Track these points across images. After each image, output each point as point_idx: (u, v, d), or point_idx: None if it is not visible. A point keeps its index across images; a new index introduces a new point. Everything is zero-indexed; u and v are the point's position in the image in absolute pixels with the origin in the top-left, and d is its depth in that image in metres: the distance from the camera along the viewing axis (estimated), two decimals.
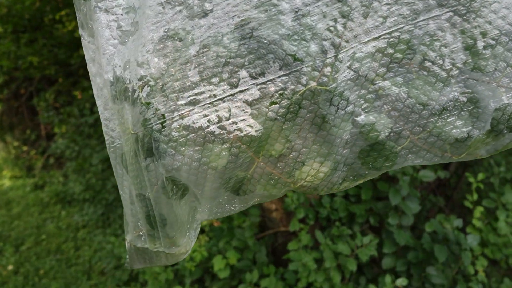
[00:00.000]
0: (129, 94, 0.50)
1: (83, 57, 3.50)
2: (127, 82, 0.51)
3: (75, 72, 3.95)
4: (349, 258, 1.83)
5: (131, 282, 2.75)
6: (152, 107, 0.49)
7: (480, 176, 1.80)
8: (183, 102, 0.49)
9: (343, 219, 2.06)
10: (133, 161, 0.56)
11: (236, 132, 0.49)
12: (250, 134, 0.48)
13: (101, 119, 0.59)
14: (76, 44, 3.77)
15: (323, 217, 2.06)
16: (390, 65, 0.46)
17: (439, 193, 2.38)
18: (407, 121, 0.48)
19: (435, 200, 2.26)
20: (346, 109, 0.48)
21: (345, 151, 0.51)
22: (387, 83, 0.47)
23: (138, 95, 0.50)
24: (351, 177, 0.54)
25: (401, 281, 1.71)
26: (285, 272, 2.09)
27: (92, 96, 3.86)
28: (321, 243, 1.95)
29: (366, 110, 0.48)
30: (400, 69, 0.46)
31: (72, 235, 3.60)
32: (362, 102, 0.48)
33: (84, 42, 0.56)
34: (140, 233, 0.64)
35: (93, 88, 0.58)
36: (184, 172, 0.52)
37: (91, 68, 0.57)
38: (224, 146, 0.49)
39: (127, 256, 0.73)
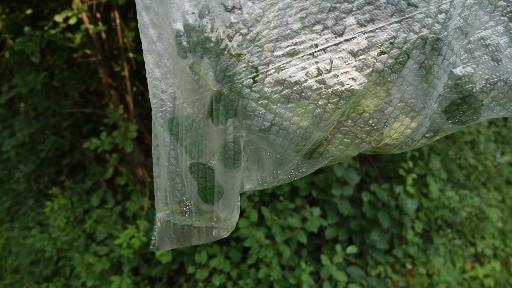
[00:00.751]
0: (211, 45, 0.44)
1: None
2: (208, 31, 0.44)
3: None
4: (299, 231, 1.86)
5: (53, 277, 2.53)
6: (244, 59, 0.43)
7: None
8: (280, 53, 0.43)
9: (285, 194, 2.08)
10: (199, 125, 0.49)
11: (337, 87, 0.44)
12: (351, 88, 0.45)
13: (149, 79, 0.51)
14: None
15: (268, 192, 2.06)
16: (493, 14, 0.45)
17: (365, 163, 2.51)
18: (504, 71, 0.47)
19: (365, 170, 2.37)
20: (450, 60, 0.46)
21: (435, 105, 0.49)
22: (488, 32, 0.46)
23: (226, 46, 0.43)
24: (431, 132, 0.53)
25: (351, 249, 1.77)
26: (229, 250, 2.07)
27: None
28: (267, 218, 1.96)
29: (465, 61, 0.47)
30: (502, 17, 0.46)
31: None
32: (462, 52, 0.47)
33: None
34: (185, 208, 0.57)
35: (142, 42, 0.50)
36: (272, 134, 0.46)
37: (144, 18, 0.48)
38: (320, 102, 0.45)
39: (153, 238, 0.65)
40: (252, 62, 0.43)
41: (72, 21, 1.83)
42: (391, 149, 0.52)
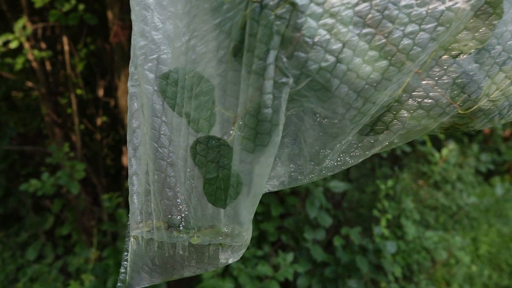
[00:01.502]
0: None
1: None
2: None
3: None
4: (270, 281, 1.65)
5: None
6: None
7: (390, 183, 1.80)
8: None
9: (252, 239, 1.88)
10: (216, 71, 0.32)
11: (435, 4, 0.29)
12: (456, 6, 0.29)
13: (135, 8, 0.34)
14: None
15: None
16: None
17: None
18: None
19: (334, 213, 2.22)
20: None
21: None
22: None
23: None
24: None
25: None
26: None
27: None
28: (233, 267, 1.74)
29: None
30: None
31: None
32: None
33: None
34: (178, 217, 0.38)
35: None
36: (336, 77, 0.30)
37: None
38: (410, 29, 0.29)
39: (122, 271, 0.45)
40: None
41: (13, 45, 1.62)
42: (478, 121, 0.37)
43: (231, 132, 0.33)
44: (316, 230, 1.83)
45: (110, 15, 1.51)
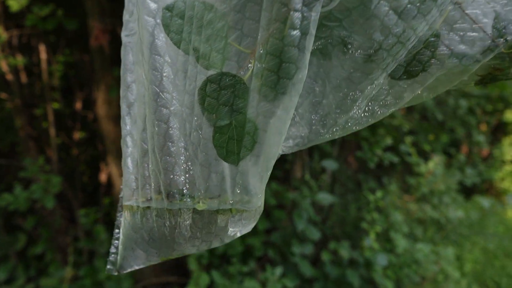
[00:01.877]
0: None
1: None
2: None
3: None
4: None
5: None
6: None
7: (379, 194, 1.77)
8: None
9: (238, 255, 1.81)
10: None
11: None
12: None
13: None
14: None
15: (218, 254, 1.77)
16: None
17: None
18: None
19: (321, 227, 2.17)
20: None
21: None
22: None
23: None
24: None
25: None
26: None
27: None
28: (218, 284, 1.66)
29: None
30: None
31: None
32: None
33: None
34: (181, 178, 0.33)
35: None
36: None
37: None
38: None
39: (112, 251, 0.39)
40: None
41: None
42: None
43: (249, 66, 0.28)
44: (304, 243, 1.77)
45: (90, 20, 1.46)
